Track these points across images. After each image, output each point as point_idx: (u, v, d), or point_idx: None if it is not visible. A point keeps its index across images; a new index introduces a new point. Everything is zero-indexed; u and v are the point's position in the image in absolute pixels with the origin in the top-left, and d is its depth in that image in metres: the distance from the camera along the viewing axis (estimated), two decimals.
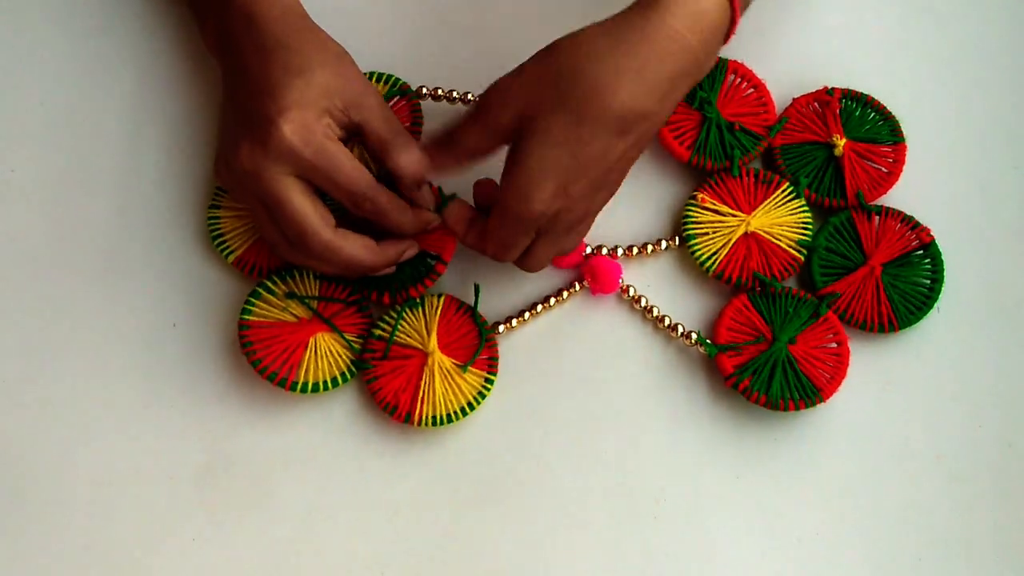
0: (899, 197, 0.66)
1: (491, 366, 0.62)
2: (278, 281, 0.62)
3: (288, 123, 0.55)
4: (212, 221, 0.64)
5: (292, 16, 0.60)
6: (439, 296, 0.63)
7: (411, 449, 0.61)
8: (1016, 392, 0.63)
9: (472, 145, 0.58)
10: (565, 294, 0.64)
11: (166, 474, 0.60)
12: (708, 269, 0.64)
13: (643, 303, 0.64)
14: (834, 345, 0.63)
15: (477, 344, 0.62)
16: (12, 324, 0.62)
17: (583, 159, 0.55)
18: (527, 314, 0.63)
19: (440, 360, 0.61)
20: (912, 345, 0.64)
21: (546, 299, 0.64)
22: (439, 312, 0.63)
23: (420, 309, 0.63)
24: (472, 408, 0.61)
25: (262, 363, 0.60)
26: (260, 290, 0.62)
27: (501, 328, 0.63)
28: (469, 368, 0.62)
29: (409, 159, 0.59)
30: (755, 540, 0.60)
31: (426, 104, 0.67)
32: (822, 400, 0.61)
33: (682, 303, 0.65)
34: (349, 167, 0.57)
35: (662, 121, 0.57)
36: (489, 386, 0.62)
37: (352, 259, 0.58)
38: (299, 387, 0.60)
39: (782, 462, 0.62)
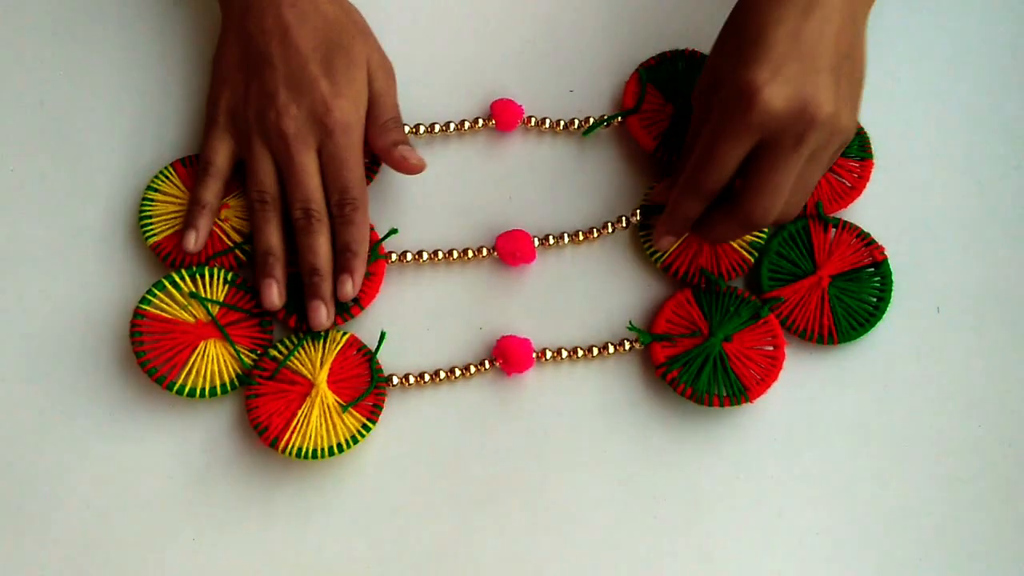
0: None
1: (374, 413, 0.60)
2: (186, 278, 0.62)
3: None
4: (145, 203, 0.64)
5: None
6: (343, 333, 0.62)
7: (411, 449, 0.61)
8: (1015, 392, 0.62)
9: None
10: (473, 369, 0.62)
11: (166, 474, 0.60)
12: (656, 260, 0.64)
13: (563, 354, 0.62)
14: (770, 348, 0.61)
15: (367, 388, 0.61)
16: (12, 323, 0.63)
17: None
18: (427, 376, 0.62)
19: (324, 394, 0.60)
20: (912, 345, 0.63)
21: (452, 369, 0.62)
22: (339, 348, 0.61)
23: (321, 341, 0.61)
24: (341, 449, 0.58)
25: (146, 356, 0.60)
26: (165, 282, 0.62)
27: (395, 380, 0.61)
28: (350, 409, 0.60)
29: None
30: (755, 540, 0.59)
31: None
32: (748, 400, 0.60)
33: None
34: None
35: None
36: (365, 432, 0.59)
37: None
38: (176, 388, 0.59)
39: (781, 462, 0.61)
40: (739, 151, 0.55)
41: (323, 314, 0.61)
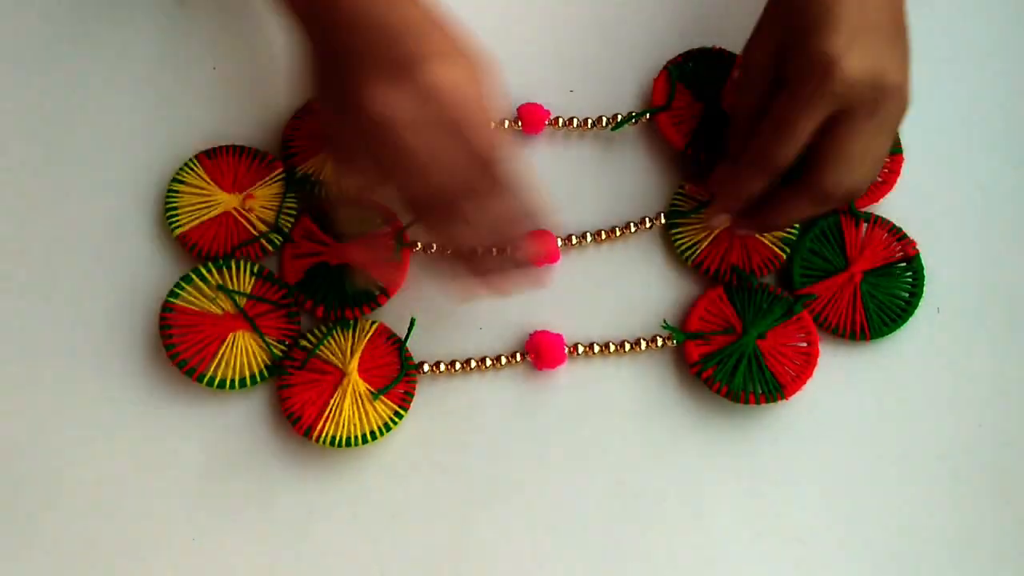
0: (890, 206, 0.65)
1: (405, 400, 0.60)
2: (213, 270, 0.62)
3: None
4: (171, 195, 0.64)
5: None
6: (372, 322, 0.62)
7: (411, 448, 0.61)
8: (1016, 392, 0.62)
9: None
10: (504, 360, 0.62)
11: (166, 474, 0.60)
12: (687, 259, 0.63)
13: (595, 348, 0.62)
14: (804, 344, 0.61)
15: (397, 375, 0.61)
16: (12, 324, 0.63)
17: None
18: (458, 364, 0.62)
19: (355, 382, 0.60)
20: (913, 345, 0.63)
21: (483, 359, 0.62)
22: (368, 337, 0.61)
23: (350, 331, 0.62)
24: (375, 437, 0.59)
25: (175, 349, 0.60)
26: (193, 276, 0.62)
27: (426, 368, 0.61)
28: (381, 397, 0.60)
29: None
30: (755, 540, 0.59)
31: None
32: (783, 397, 0.60)
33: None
34: None
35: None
36: (397, 419, 0.59)
37: None
38: (206, 380, 0.60)
39: (783, 462, 0.61)
40: (814, 122, 0.55)
41: None
